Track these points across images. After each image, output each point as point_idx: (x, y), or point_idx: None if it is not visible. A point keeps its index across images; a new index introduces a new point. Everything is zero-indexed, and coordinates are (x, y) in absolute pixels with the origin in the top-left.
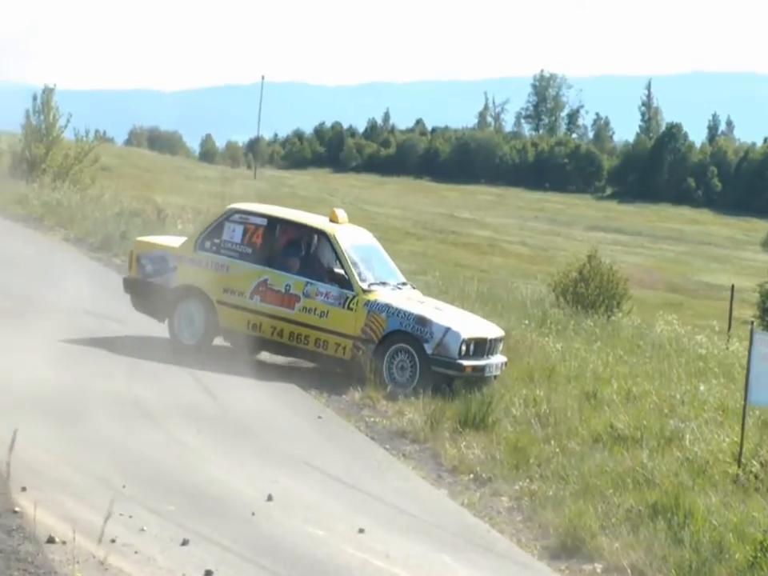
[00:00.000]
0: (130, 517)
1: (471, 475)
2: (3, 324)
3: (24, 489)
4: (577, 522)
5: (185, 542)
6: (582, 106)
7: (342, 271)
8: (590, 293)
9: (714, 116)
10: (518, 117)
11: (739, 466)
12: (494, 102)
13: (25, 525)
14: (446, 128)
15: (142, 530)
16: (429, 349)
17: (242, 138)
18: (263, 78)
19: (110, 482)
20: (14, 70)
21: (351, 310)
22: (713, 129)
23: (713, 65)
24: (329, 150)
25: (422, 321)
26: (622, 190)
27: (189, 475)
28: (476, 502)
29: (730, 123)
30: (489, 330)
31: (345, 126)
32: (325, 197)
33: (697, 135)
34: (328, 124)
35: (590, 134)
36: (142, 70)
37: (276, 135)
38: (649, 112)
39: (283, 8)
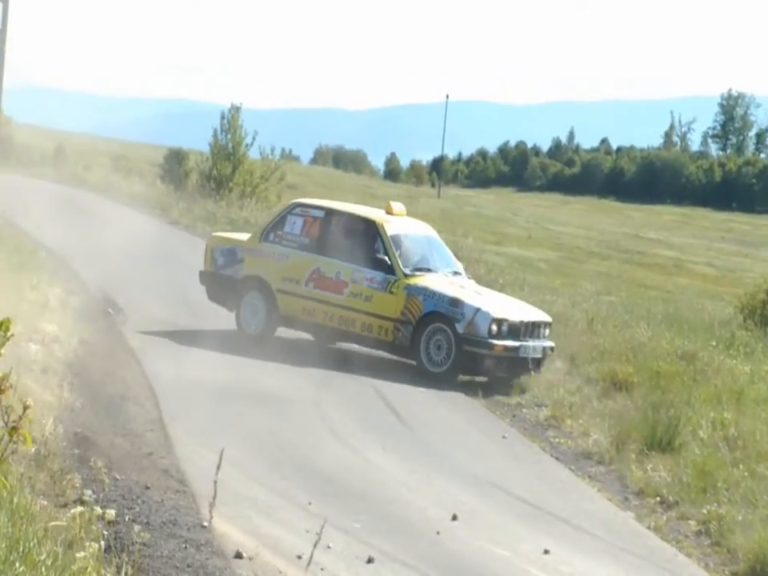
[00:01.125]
0: (316, 533)
1: (657, 498)
2: (186, 335)
3: (212, 504)
4: (767, 547)
5: (370, 560)
6: None
7: (386, 257)
8: None
9: None
10: (705, 136)
11: None
12: (680, 122)
13: (213, 540)
14: (632, 147)
15: (328, 546)
16: (460, 328)
17: (426, 157)
18: (447, 96)
19: (296, 499)
20: (200, 90)
21: (393, 293)
22: None
23: None
24: (512, 169)
25: (455, 302)
26: None
27: (374, 493)
28: (662, 525)
29: None
30: (528, 313)
31: (529, 145)
32: (508, 216)
33: None
34: (512, 143)
35: None
36: (330, 89)
37: (460, 154)
38: None
39: (470, 27)
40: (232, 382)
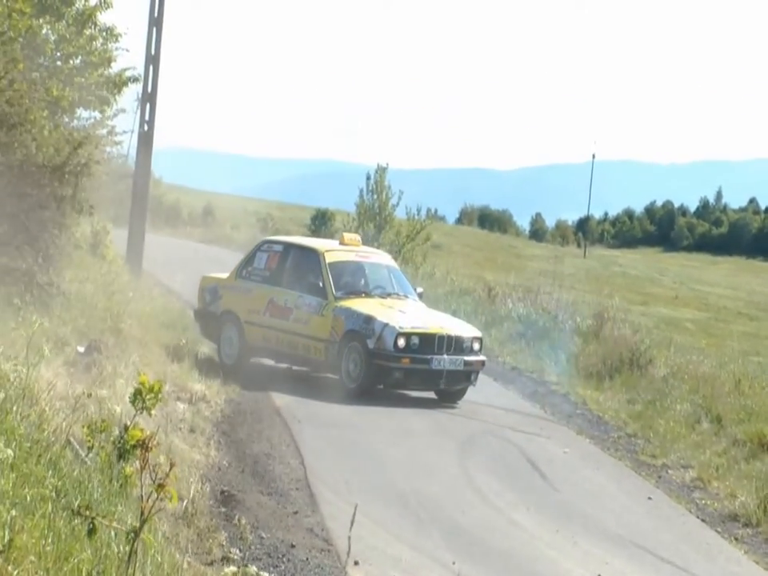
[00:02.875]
0: None
1: None
2: (328, 393)
3: (357, 563)
4: None
5: None
6: None
7: (321, 283)
8: None
9: None
10: None
11: None
12: None
13: None
14: None
15: None
16: (371, 344)
17: (571, 217)
18: (594, 156)
19: (440, 559)
20: (347, 151)
21: (323, 316)
22: None
23: None
24: (659, 229)
25: (368, 319)
26: None
27: (518, 553)
28: None
29: None
30: (450, 328)
31: (676, 205)
32: (655, 276)
33: None
34: (659, 202)
35: None
36: (476, 149)
37: (606, 214)
38: None
39: (615, 87)
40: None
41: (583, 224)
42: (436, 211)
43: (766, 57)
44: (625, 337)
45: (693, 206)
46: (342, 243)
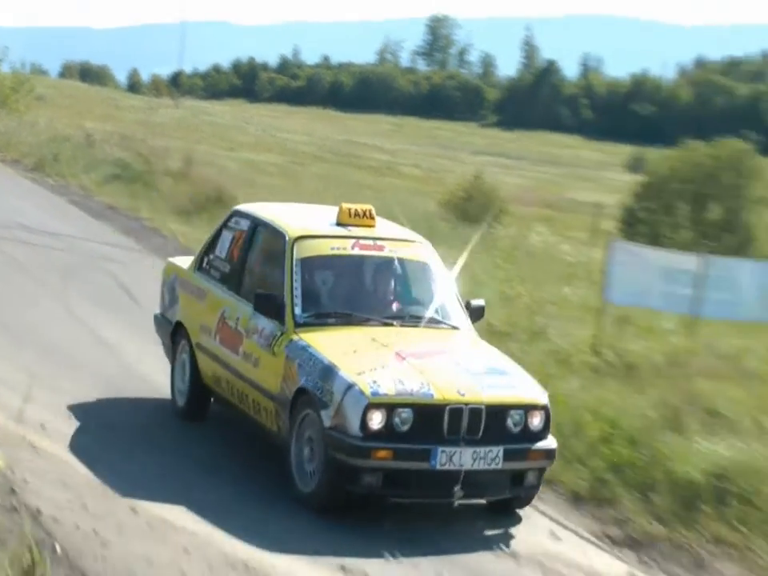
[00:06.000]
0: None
1: None
2: None
3: None
4: None
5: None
6: (470, 45)
7: (282, 295)
8: (472, 208)
9: (586, 54)
10: (414, 54)
11: (597, 356)
12: (391, 41)
13: None
14: (350, 63)
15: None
16: (326, 419)
17: (165, 72)
18: (182, 16)
19: (38, 374)
20: None
21: (274, 354)
22: (585, 66)
23: (585, 8)
24: (244, 83)
25: (326, 372)
26: (505, 119)
27: (107, 363)
28: None
29: (599, 61)
30: (493, 387)
31: (259, 62)
32: (241, 124)
33: (570, 71)
34: (244, 59)
35: (477, 70)
36: (73, 7)
37: (197, 69)
38: (529, 51)
39: None
40: None
41: (176, 78)
42: (39, 66)
43: None
44: (211, 178)
45: (274, 62)
46: (340, 221)
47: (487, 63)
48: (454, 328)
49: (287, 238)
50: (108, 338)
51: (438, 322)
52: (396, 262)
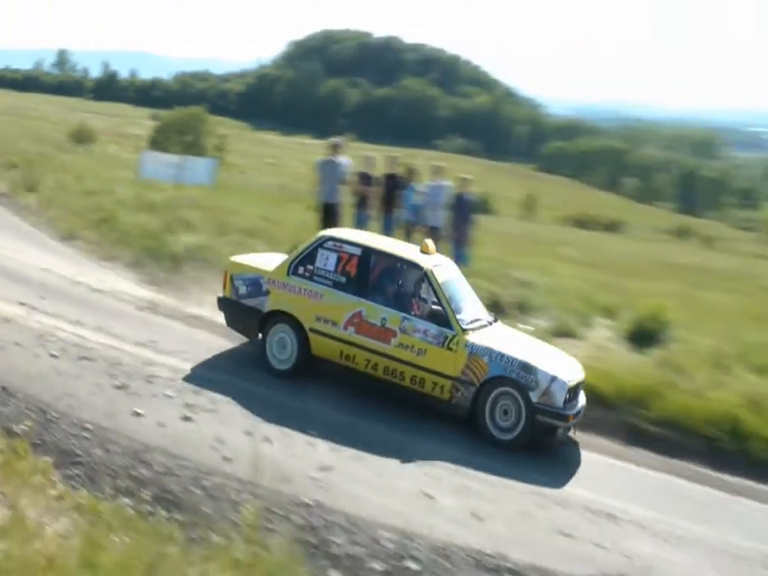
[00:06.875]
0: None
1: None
2: None
3: None
4: None
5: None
6: None
7: (439, 308)
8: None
9: None
10: None
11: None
12: None
13: None
14: None
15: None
16: (534, 397)
17: None
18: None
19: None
20: None
21: (451, 350)
22: None
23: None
24: None
25: (526, 368)
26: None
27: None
28: None
29: None
30: (577, 368)
31: None
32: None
33: None
34: None
35: None
36: None
37: None
38: None
39: None
40: None
41: None
42: None
43: None
44: None
45: None
46: (423, 251)
47: None
48: (495, 321)
49: (425, 269)
50: None
51: (485, 320)
52: (460, 279)
